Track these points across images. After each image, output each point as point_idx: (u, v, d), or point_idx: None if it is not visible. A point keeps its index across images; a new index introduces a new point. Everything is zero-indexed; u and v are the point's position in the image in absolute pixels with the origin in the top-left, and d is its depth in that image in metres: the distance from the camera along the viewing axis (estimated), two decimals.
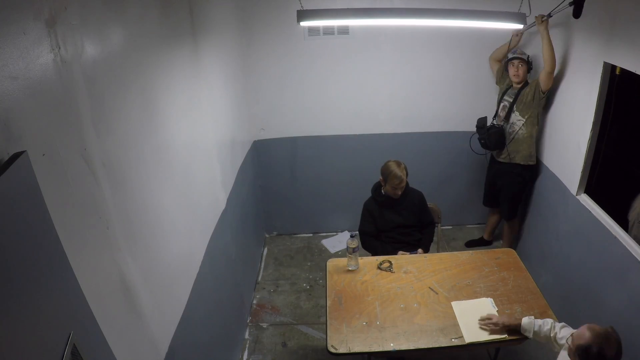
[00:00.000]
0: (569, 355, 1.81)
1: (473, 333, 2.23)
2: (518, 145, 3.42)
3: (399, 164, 2.91)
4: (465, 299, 2.45)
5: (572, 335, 1.82)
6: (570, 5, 2.69)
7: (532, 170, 3.51)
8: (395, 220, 3.02)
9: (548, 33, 2.99)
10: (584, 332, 1.74)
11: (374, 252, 3.03)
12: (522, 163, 3.44)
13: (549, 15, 2.90)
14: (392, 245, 3.02)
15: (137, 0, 1.66)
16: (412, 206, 3.04)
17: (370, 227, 3.05)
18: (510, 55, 3.35)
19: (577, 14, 2.64)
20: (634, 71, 2.27)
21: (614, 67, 2.53)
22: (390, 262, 2.76)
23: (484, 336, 2.21)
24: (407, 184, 3.00)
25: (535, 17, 2.97)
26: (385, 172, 2.91)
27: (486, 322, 2.22)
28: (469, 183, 4.07)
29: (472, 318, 2.30)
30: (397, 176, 2.86)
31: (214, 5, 2.82)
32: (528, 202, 3.71)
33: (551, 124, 3.33)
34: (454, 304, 2.41)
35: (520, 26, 2.17)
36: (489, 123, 3.54)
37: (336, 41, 3.68)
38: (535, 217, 3.63)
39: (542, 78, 3.14)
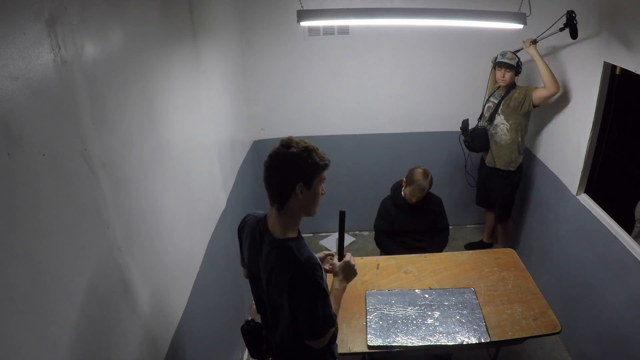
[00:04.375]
0: None
1: None
2: (499, 150, 3.41)
3: (426, 175, 2.85)
4: None
5: None
6: (560, 31, 2.71)
7: (518, 173, 3.49)
8: (410, 224, 3.00)
9: (540, 55, 2.98)
10: None
11: (386, 251, 3.00)
12: (502, 168, 3.43)
13: (535, 41, 2.91)
14: (405, 251, 3.00)
15: (137, 0, 1.66)
16: (428, 212, 3.01)
17: (385, 224, 3.03)
18: (499, 59, 3.30)
19: (574, 35, 2.64)
20: (634, 71, 2.27)
21: (614, 67, 2.53)
22: None
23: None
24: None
25: (523, 41, 2.99)
26: (411, 179, 2.86)
27: None
28: (468, 183, 4.06)
29: None
30: (421, 188, 2.83)
31: (214, 5, 2.82)
32: (527, 202, 3.72)
33: (551, 124, 3.33)
34: None
35: (520, 26, 2.17)
36: (475, 124, 3.53)
37: (336, 41, 3.68)
38: (535, 217, 3.63)
39: (540, 95, 3.11)
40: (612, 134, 2.80)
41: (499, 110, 3.34)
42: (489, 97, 3.49)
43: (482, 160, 3.73)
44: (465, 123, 3.52)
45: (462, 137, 3.57)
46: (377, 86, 3.85)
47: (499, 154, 3.41)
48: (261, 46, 3.66)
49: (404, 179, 2.96)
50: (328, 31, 3.64)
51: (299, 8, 2.24)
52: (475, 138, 3.45)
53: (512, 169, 3.43)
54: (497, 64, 3.30)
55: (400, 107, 3.94)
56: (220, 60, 2.97)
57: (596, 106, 2.68)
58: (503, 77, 3.28)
